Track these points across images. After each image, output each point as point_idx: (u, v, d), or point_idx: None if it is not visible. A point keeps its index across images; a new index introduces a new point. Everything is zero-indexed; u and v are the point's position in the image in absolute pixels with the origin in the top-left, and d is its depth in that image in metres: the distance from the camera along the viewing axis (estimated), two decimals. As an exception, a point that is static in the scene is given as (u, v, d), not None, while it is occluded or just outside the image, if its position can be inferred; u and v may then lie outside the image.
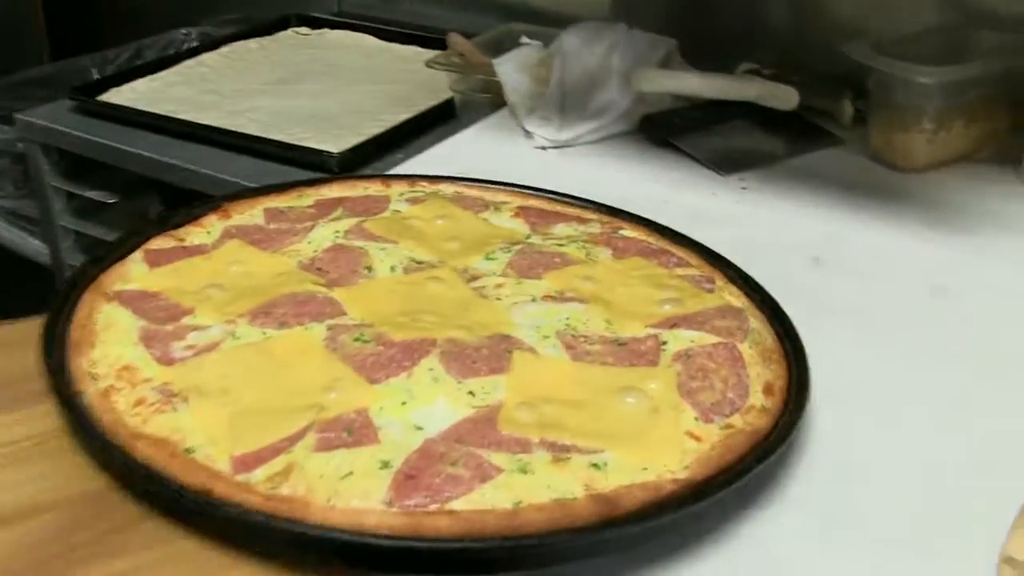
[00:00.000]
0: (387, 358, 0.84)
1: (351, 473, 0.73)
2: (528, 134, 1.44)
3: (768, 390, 0.86)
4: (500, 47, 1.62)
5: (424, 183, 1.17)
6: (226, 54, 1.98)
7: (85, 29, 2.53)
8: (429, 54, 1.71)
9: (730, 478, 0.76)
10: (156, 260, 0.98)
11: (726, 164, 1.38)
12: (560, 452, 0.76)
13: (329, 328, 0.88)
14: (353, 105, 1.72)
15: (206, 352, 0.85)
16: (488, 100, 1.58)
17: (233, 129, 1.58)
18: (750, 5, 1.73)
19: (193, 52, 1.96)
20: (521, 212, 1.12)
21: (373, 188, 1.15)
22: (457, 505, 0.71)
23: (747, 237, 1.17)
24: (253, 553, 0.70)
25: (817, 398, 0.88)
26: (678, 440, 0.79)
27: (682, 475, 0.75)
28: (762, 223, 1.24)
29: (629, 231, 1.10)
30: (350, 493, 0.71)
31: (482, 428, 0.78)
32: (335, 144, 1.48)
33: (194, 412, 0.78)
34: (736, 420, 0.82)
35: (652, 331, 0.92)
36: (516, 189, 1.17)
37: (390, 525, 0.69)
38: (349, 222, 1.06)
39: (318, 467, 0.73)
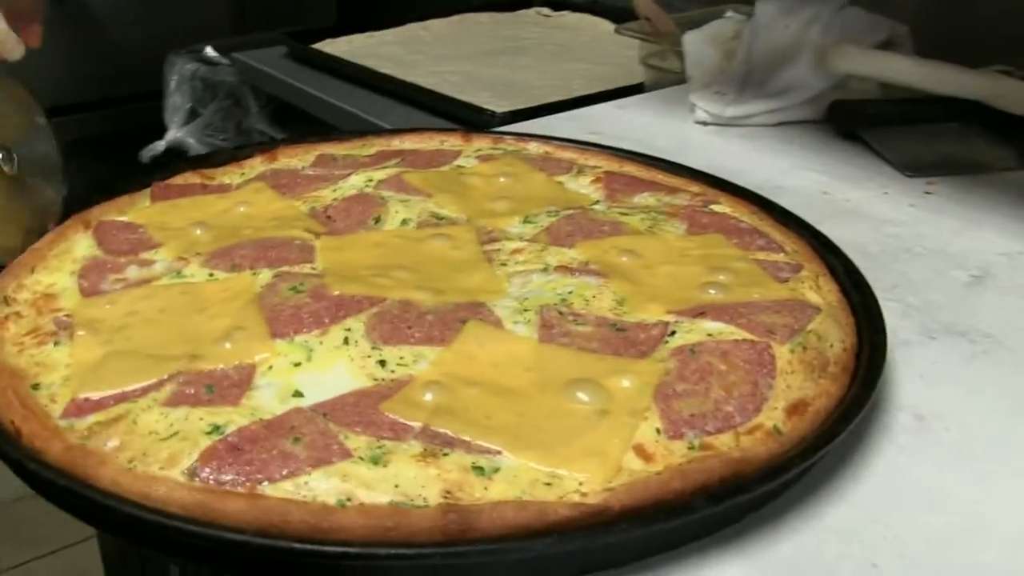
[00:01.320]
0: (308, 312, 0.68)
1: (175, 434, 0.57)
2: (693, 108, 1.22)
3: (797, 409, 0.61)
4: (701, 24, 1.40)
5: (510, 140, 1.00)
6: (454, 22, 1.90)
7: (371, 3, 2.55)
8: (652, 47, 1.52)
9: (654, 518, 0.53)
10: (163, 195, 0.87)
11: (916, 166, 1.09)
12: (438, 445, 0.56)
13: (276, 275, 0.73)
14: (553, 79, 1.59)
15: (133, 287, 0.73)
16: (678, 77, 1.37)
17: (410, 81, 1.50)
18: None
19: (421, 17, 1.90)
20: (604, 178, 0.92)
21: (450, 142, 0.99)
22: (267, 489, 0.53)
23: (907, 241, 0.92)
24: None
25: (894, 439, 0.62)
26: (615, 453, 0.56)
27: (592, 499, 0.53)
28: (932, 230, 0.96)
29: (724, 206, 0.86)
30: (157, 457, 0.56)
31: (364, 404, 0.60)
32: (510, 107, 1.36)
33: (72, 348, 0.66)
34: (722, 441, 0.58)
35: (670, 318, 0.69)
36: (614, 153, 0.97)
37: (178, 499, 0.53)
38: (389, 171, 0.91)
39: (151, 423, 0.59)
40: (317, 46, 1.73)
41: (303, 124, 1.68)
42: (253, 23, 2.34)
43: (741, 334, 0.67)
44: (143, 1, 2.25)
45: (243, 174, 0.93)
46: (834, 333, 0.68)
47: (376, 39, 1.79)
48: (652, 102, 1.32)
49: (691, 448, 0.58)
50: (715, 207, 0.86)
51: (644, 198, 0.88)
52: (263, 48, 1.76)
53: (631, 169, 0.94)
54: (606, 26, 1.90)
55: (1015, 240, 0.93)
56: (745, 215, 0.85)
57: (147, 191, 0.88)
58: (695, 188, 0.90)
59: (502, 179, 0.91)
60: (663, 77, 1.41)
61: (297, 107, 1.65)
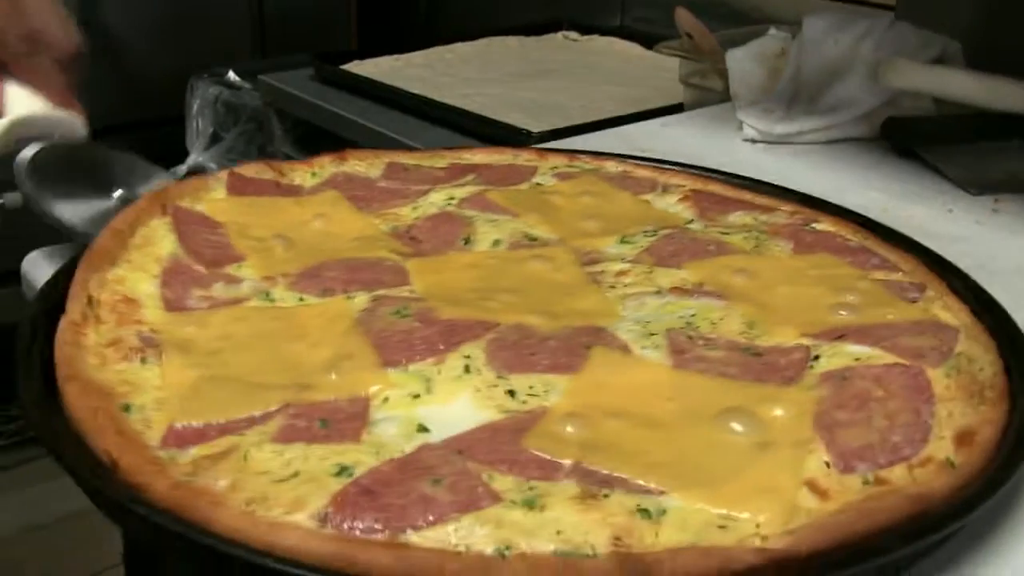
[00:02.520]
0: (419, 338, 0.61)
1: (296, 475, 0.51)
2: (741, 125, 1.17)
3: (964, 439, 0.55)
4: (744, 42, 1.35)
5: (586, 158, 0.93)
6: (480, 46, 1.85)
7: (391, 29, 2.50)
8: (693, 65, 1.47)
9: (855, 559, 0.47)
10: (239, 187, 0.80)
11: (980, 183, 1.03)
12: (596, 486, 0.50)
13: (374, 299, 0.67)
14: (584, 101, 1.55)
15: (221, 307, 0.66)
16: (719, 96, 1.31)
17: (442, 101, 1.46)
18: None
19: (445, 42, 1.85)
20: (692, 196, 0.85)
21: (524, 157, 0.93)
22: (414, 538, 0.47)
23: (981, 259, 0.86)
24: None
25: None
26: (789, 490, 0.50)
27: (778, 543, 0.47)
28: (1003, 249, 0.90)
29: (826, 224, 0.80)
30: (280, 500, 0.49)
31: (502, 439, 0.53)
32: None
33: (163, 368, 0.59)
34: (896, 474, 0.52)
35: (807, 341, 0.63)
36: (695, 171, 0.91)
37: (311, 549, 0.46)
38: (470, 189, 0.84)
39: (264, 460, 0.52)
40: (347, 67, 1.67)
41: (330, 147, 1.63)
42: (273, 48, 2.29)
43: (888, 357, 0.60)
44: (164, 26, 2.20)
45: (314, 174, 0.86)
46: (983, 356, 0.62)
47: (403, 61, 1.74)
48: (697, 120, 1.26)
49: (866, 483, 0.51)
50: (817, 226, 0.80)
51: (739, 217, 0.82)
52: (288, 70, 1.70)
53: (716, 188, 0.88)
54: (636, 50, 1.86)
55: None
56: (849, 233, 0.79)
57: (220, 176, 0.81)
58: (788, 207, 0.84)
59: (586, 198, 0.85)
60: (704, 96, 1.35)
61: (324, 130, 1.60)
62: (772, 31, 1.34)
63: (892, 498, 0.50)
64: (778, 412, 0.55)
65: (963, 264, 0.84)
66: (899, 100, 1.16)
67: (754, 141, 1.15)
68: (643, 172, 0.91)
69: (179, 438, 0.53)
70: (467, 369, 0.59)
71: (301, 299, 0.68)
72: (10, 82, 0.88)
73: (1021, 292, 0.79)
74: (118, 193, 0.90)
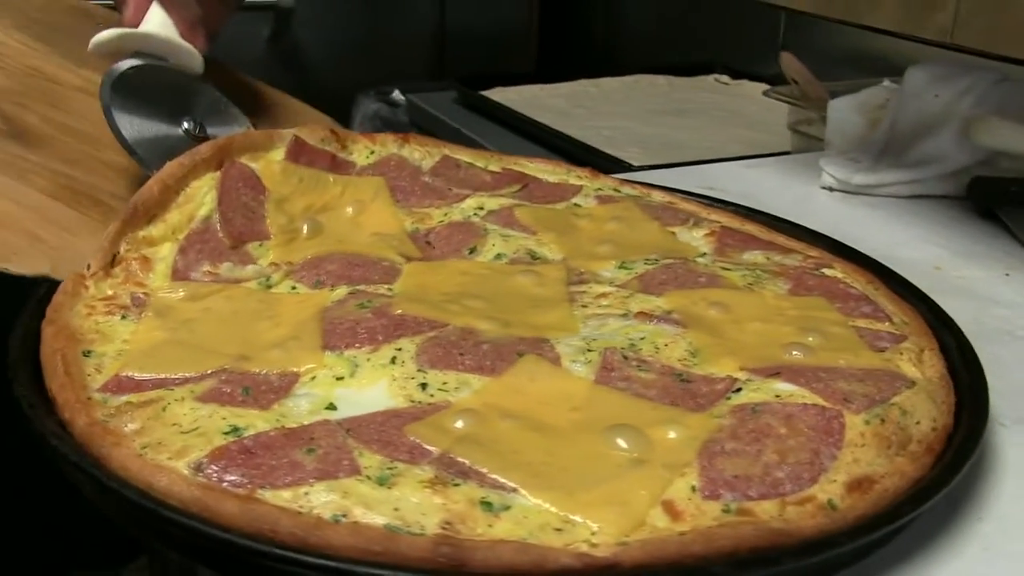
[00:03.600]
0: (366, 328, 0.64)
1: (195, 429, 0.55)
2: (821, 172, 1.14)
3: (859, 486, 0.53)
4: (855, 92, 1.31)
5: (637, 185, 0.94)
6: (628, 82, 1.87)
7: (570, 55, 2.54)
8: (802, 112, 1.43)
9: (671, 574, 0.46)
10: (297, 153, 0.84)
11: None
12: (452, 475, 0.51)
13: (351, 292, 0.71)
14: (711, 143, 1.54)
15: (219, 284, 0.72)
16: (825, 144, 1.28)
17: (558, 129, 1.49)
18: None
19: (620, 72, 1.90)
20: (719, 232, 0.85)
21: (575, 176, 0.94)
22: (267, 496, 0.50)
23: (1013, 324, 0.82)
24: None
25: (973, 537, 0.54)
26: (640, 506, 0.50)
27: (602, 552, 0.47)
28: None
29: (836, 271, 0.78)
30: (169, 447, 0.53)
31: (392, 424, 0.55)
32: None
33: (137, 326, 0.65)
34: (763, 508, 0.51)
35: (742, 375, 0.62)
36: (737, 210, 0.90)
37: (177, 493, 0.50)
38: (503, 202, 0.86)
39: (179, 414, 0.56)
40: (486, 92, 1.73)
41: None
42: (453, 68, 2.34)
43: (813, 399, 0.58)
44: (350, 44, 2.30)
45: (372, 152, 0.89)
46: (925, 410, 0.59)
47: (546, 91, 1.79)
48: (782, 165, 1.23)
49: (726, 511, 0.50)
50: (826, 271, 0.78)
51: (754, 255, 0.81)
52: (437, 92, 1.77)
53: (752, 228, 0.86)
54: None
55: None
56: (859, 282, 0.76)
57: (286, 134, 0.85)
58: (814, 252, 0.82)
59: (612, 223, 0.85)
60: (810, 144, 1.32)
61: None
62: (885, 82, 1.30)
63: (745, 528, 0.49)
64: (671, 435, 0.55)
65: (991, 327, 0.81)
66: (997, 161, 1.09)
67: (831, 189, 1.11)
68: (687, 205, 0.90)
69: (118, 385, 0.59)
70: (393, 360, 0.61)
71: (294, 287, 0.72)
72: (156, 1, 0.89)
73: None
74: (185, 125, 0.88)
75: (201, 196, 0.77)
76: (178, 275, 0.72)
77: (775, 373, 0.61)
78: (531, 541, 0.47)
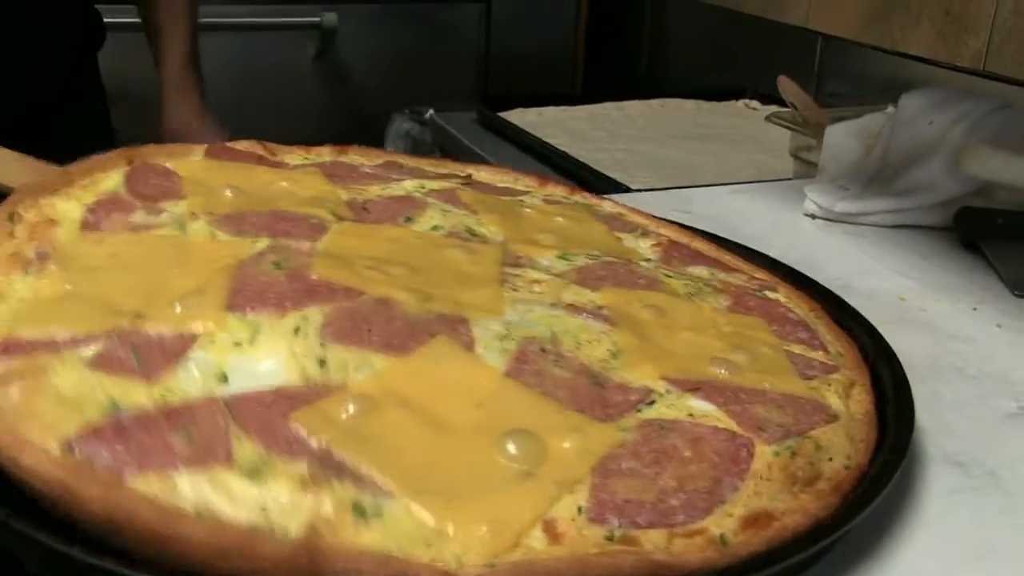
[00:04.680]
0: (275, 291, 0.61)
1: (75, 400, 0.51)
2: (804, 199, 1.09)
3: (756, 522, 0.50)
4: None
5: (587, 195, 0.90)
6: (653, 106, 1.83)
7: (615, 76, 2.46)
8: (803, 139, 1.38)
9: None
10: (218, 153, 0.82)
11: None
12: (329, 472, 0.49)
13: (272, 247, 0.67)
14: (726, 167, 1.50)
15: (129, 232, 0.68)
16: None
17: (562, 150, 1.48)
18: None
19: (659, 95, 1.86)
20: (666, 244, 0.81)
21: (524, 183, 0.90)
22: (135, 480, 0.47)
23: (965, 361, 0.79)
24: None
25: None
26: (517, 524, 0.47)
27: (470, 571, 0.45)
28: (1005, 356, 0.81)
29: (779, 295, 0.75)
30: (44, 420, 0.50)
31: (278, 407, 0.52)
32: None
33: (36, 280, 0.61)
34: (649, 537, 0.48)
35: (661, 386, 0.59)
36: (689, 229, 0.86)
37: (43, 473, 0.47)
38: (444, 184, 0.83)
39: (63, 382, 0.52)
40: (507, 114, 1.70)
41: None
42: (497, 88, 2.34)
43: (726, 422, 0.56)
44: (396, 64, 2.27)
45: (306, 159, 0.86)
46: (840, 448, 0.57)
47: (567, 113, 1.76)
48: (770, 191, 1.19)
49: (609, 538, 0.48)
50: (769, 293, 0.75)
51: (699, 270, 0.78)
52: (463, 111, 1.74)
53: (700, 245, 0.83)
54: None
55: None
56: (801, 308, 0.73)
57: (204, 146, 0.83)
58: (760, 275, 0.79)
59: (559, 219, 0.82)
60: (810, 170, 1.26)
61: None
62: (889, 109, 1.22)
63: (624, 558, 0.46)
64: (567, 445, 0.52)
65: (942, 362, 0.78)
66: (990, 192, 1.05)
67: (813, 217, 1.08)
68: (637, 218, 0.87)
69: (5, 348, 0.55)
70: (297, 331, 0.58)
71: (213, 235, 0.69)
72: None
73: (983, 398, 0.73)
74: None
75: (110, 179, 0.74)
76: (86, 227, 0.68)
77: (695, 388, 0.58)
78: (397, 554, 0.45)
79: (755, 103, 1.88)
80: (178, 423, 0.50)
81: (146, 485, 0.47)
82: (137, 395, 0.52)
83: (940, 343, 0.81)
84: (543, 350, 0.60)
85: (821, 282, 0.79)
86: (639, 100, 1.84)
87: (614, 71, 2.48)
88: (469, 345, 0.59)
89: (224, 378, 0.55)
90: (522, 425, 0.53)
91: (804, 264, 0.83)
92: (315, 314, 0.60)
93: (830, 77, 1.83)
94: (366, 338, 0.58)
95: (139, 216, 0.70)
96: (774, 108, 1.79)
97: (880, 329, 0.72)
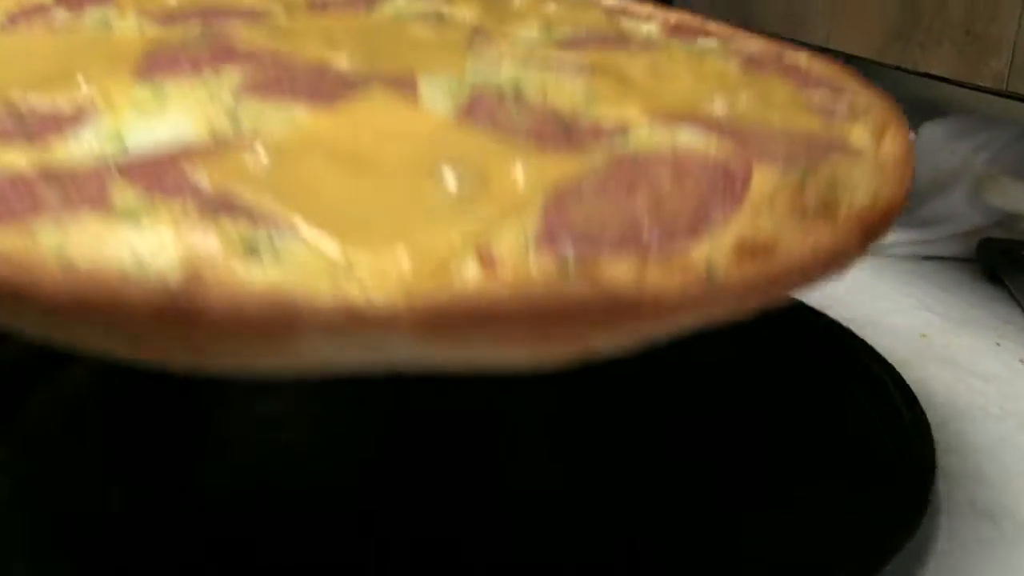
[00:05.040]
0: (191, 57, 0.53)
1: (-57, 160, 0.44)
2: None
3: (754, 251, 0.41)
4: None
5: None
6: None
7: None
8: None
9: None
10: None
11: None
12: (219, 210, 0.40)
13: (203, 30, 0.59)
14: None
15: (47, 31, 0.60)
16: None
17: None
18: None
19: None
20: (674, 23, 0.70)
21: None
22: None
23: (988, 399, 0.73)
24: None
25: None
26: (441, 247, 0.38)
27: (375, 301, 0.36)
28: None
29: (802, 60, 0.64)
30: (-102, 180, 0.43)
31: (174, 162, 0.44)
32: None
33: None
34: (616, 268, 0.39)
35: (643, 120, 0.49)
36: (714, 23, 0.75)
37: None
38: None
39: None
40: None
41: None
42: None
43: (710, 144, 0.46)
44: None
45: None
46: (866, 182, 0.46)
47: None
48: None
49: (563, 267, 0.39)
50: (791, 59, 0.63)
51: (707, 41, 0.67)
52: None
53: (713, 28, 0.72)
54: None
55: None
56: (823, 69, 0.62)
57: None
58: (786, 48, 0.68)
59: (551, 5, 0.72)
60: None
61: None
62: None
63: (577, 289, 0.37)
64: (517, 176, 0.43)
65: (964, 402, 0.72)
66: (1015, 222, 0.97)
67: None
68: (641, 9, 0.76)
69: None
70: (210, 90, 0.50)
71: (140, 29, 0.61)
72: None
73: (1007, 440, 0.67)
74: None
75: None
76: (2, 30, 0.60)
77: (680, 119, 0.48)
78: (291, 286, 0.36)
79: None
80: (56, 179, 0.42)
81: (3, 239, 0.39)
82: (11, 157, 0.44)
83: (962, 379, 0.76)
84: (501, 99, 0.51)
85: (842, 321, 0.75)
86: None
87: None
88: (411, 96, 0.50)
89: (120, 140, 0.46)
90: (456, 155, 0.44)
91: (823, 299, 0.77)
92: (233, 74, 0.51)
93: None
94: (288, 89, 0.49)
95: (61, 15, 0.62)
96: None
97: (903, 368, 0.68)
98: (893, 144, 0.52)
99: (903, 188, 0.48)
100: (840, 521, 0.55)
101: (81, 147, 0.46)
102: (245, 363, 0.37)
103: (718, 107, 0.51)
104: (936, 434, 0.60)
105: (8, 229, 0.40)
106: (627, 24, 0.71)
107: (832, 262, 0.42)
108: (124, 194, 0.41)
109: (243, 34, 0.56)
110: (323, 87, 0.50)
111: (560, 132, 0.48)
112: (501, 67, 0.55)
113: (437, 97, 0.50)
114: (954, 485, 0.61)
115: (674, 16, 0.73)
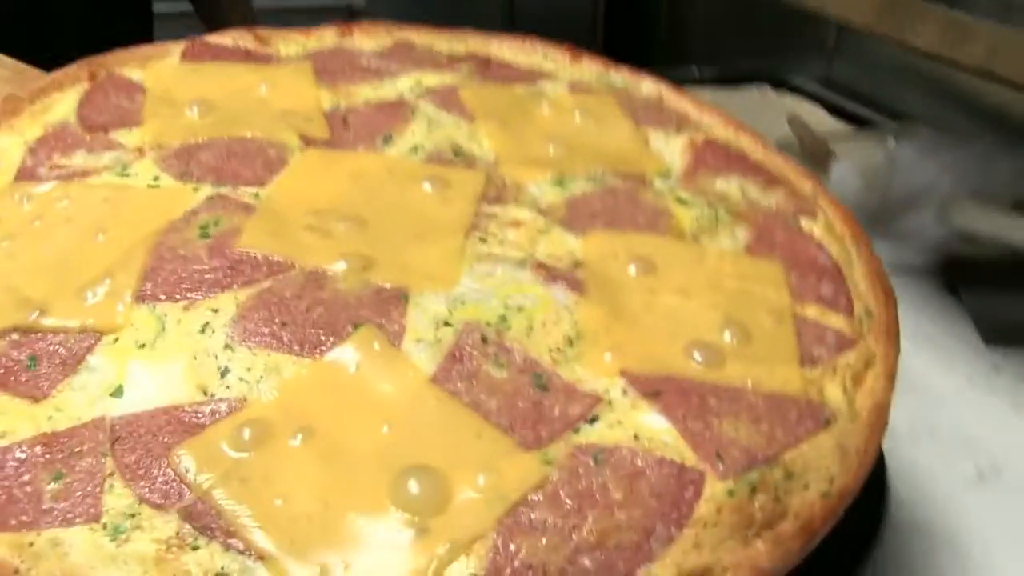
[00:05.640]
0: (190, 273, 0.54)
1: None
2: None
3: (690, 582, 0.43)
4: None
5: (625, 71, 0.78)
6: None
7: (634, 42, 2.24)
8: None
9: None
10: (196, 54, 0.74)
11: (999, 335, 0.87)
12: (196, 531, 0.43)
13: (212, 198, 0.60)
14: None
15: (66, 180, 0.62)
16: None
17: None
18: None
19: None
20: (701, 145, 0.70)
21: (553, 58, 0.79)
22: (-12, 537, 0.44)
23: (933, 420, 0.76)
24: None
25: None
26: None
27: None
28: (966, 415, 0.78)
29: (818, 224, 0.64)
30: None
31: (163, 435, 0.47)
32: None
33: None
34: None
35: (617, 385, 0.51)
36: (733, 120, 0.73)
37: None
38: (445, 79, 0.73)
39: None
40: None
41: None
42: None
43: (678, 448, 0.48)
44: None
45: (305, 45, 0.77)
46: (822, 468, 0.48)
47: None
48: None
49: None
50: (806, 222, 0.63)
51: (729, 183, 0.67)
52: None
53: (745, 142, 0.71)
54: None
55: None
56: (840, 242, 0.62)
57: (179, 45, 0.75)
58: (806, 186, 0.67)
59: (578, 117, 0.71)
60: None
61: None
62: (889, 141, 1.14)
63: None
64: (476, 487, 0.45)
65: (924, 424, 0.74)
66: (978, 239, 0.99)
67: None
68: (678, 104, 0.75)
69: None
70: (204, 328, 0.52)
71: (156, 178, 0.62)
72: None
73: (949, 463, 0.71)
74: None
75: (63, 103, 0.68)
76: (23, 175, 0.63)
77: (655, 393, 0.50)
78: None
79: (770, 93, 1.62)
80: (52, 462, 0.46)
81: (2, 544, 0.43)
82: (20, 424, 0.48)
83: (919, 401, 0.77)
84: (485, 340, 0.52)
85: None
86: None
87: (635, 37, 2.28)
88: (397, 337, 0.52)
89: (119, 391, 0.50)
90: (430, 458, 0.46)
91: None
92: (228, 303, 0.53)
93: (842, 61, 1.65)
94: (277, 336, 0.52)
95: (79, 158, 0.64)
96: (787, 96, 1.56)
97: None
98: (870, 393, 0.53)
99: (865, 465, 0.49)
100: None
101: (82, 397, 0.49)
102: None
103: (698, 362, 0.52)
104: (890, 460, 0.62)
105: (9, 533, 0.44)
106: (655, 143, 0.70)
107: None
108: (116, 498, 0.45)
109: (246, 232, 0.57)
110: (311, 329, 0.52)
111: (534, 398, 0.49)
112: (494, 278, 0.56)
113: (423, 338, 0.52)
114: (904, 511, 0.65)
115: (709, 121, 0.72)
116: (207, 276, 0.55)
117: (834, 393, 0.52)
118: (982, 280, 0.97)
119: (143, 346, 0.52)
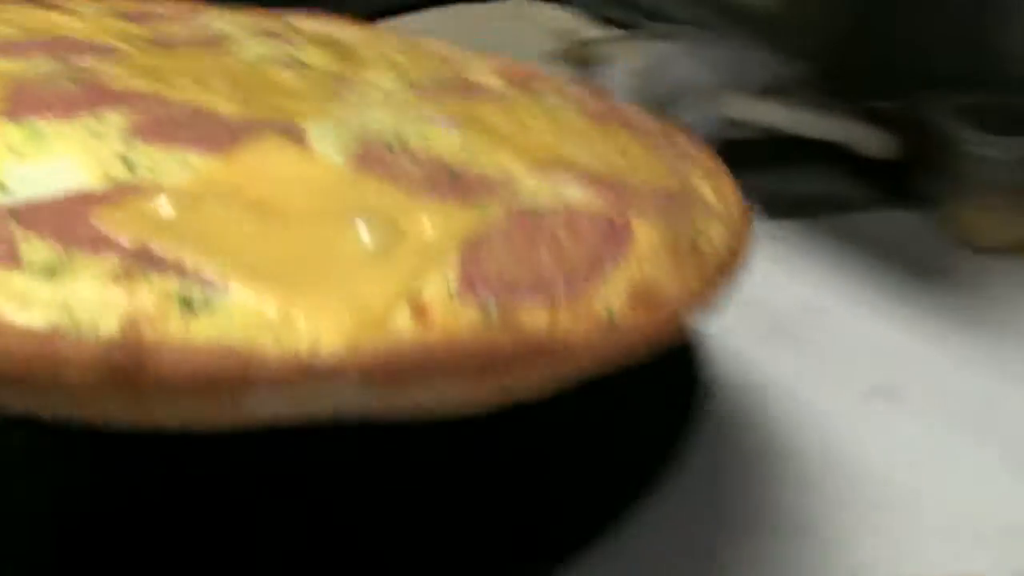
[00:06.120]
0: (63, 97, 0.51)
1: None
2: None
3: (643, 300, 0.45)
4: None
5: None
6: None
7: None
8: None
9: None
10: None
11: (776, 207, 0.97)
12: (146, 265, 0.40)
13: (57, 69, 0.56)
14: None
15: None
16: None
17: None
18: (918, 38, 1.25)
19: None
20: (507, 72, 0.75)
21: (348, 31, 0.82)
22: None
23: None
24: None
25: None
26: (379, 302, 0.40)
27: (324, 356, 0.38)
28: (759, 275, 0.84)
29: (632, 113, 0.70)
30: None
31: (75, 211, 0.43)
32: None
33: None
34: (533, 316, 0.42)
35: (526, 172, 0.53)
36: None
37: None
38: (271, 26, 0.74)
39: None
40: None
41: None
42: None
43: (601, 208, 0.50)
44: None
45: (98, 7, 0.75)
46: (718, 235, 0.52)
47: None
48: None
49: (485, 316, 0.41)
50: (625, 113, 0.70)
51: (550, 96, 0.71)
52: None
53: (550, 79, 0.77)
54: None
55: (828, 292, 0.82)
56: (661, 127, 0.68)
57: None
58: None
59: (398, 56, 0.74)
60: None
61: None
62: (658, 43, 1.22)
63: (502, 339, 0.40)
64: (428, 227, 0.45)
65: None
66: (738, 125, 1.09)
67: None
68: (477, 59, 0.79)
69: None
70: (97, 135, 0.49)
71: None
72: None
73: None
74: None
75: None
76: None
77: (565, 173, 0.52)
78: (233, 344, 0.37)
79: (525, 3, 1.78)
80: (-52, 230, 0.41)
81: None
82: None
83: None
84: (390, 149, 0.52)
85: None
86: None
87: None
88: (302, 143, 0.51)
89: (3, 187, 0.45)
90: (367, 205, 0.46)
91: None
92: (116, 116, 0.50)
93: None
94: (178, 137, 0.49)
95: None
96: (549, 10, 1.74)
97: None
98: (732, 199, 0.58)
99: (748, 240, 0.54)
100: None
101: (-38, 193, 0.44)
102: (187, 418, 0.37)
103: (586, 160, 0.55)
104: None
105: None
106: (470, 75, 0.74)
107: (703, 301, 0.48)
108: (36, 249, 0.40)
109: (113, 71, 0.54)
110: (212, 133, 0.50)
111: (452, 182, 0.50)
112: (376, 116, 0.57)
113: (328, 146, 0.51)
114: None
115: (511, 66, 0.78)
116: (81, 98, 0.51)
117: (707, 194, 0.57)
118: (753, 160, 1.04)
119: (20, 153, 0.47)
